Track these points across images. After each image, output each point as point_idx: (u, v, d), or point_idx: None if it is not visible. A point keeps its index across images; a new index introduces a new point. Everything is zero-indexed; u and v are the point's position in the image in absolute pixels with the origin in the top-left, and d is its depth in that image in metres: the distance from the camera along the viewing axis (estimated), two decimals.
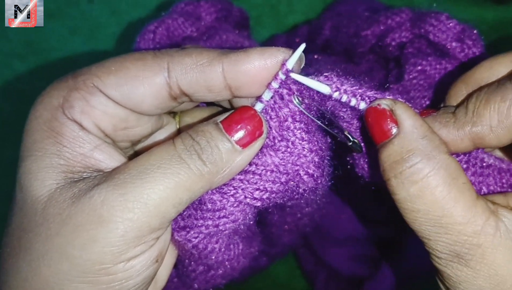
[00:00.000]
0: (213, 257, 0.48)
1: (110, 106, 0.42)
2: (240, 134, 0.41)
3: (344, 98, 0.44)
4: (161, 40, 0.67)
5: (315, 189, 0.45)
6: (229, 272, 0.53)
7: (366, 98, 0.44)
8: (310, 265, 1.05)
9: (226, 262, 0.51)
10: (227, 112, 0.43)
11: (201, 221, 0.44)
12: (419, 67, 0.62)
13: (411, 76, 0.62)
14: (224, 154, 0.40)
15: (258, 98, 0.44)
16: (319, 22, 0.82)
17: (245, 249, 0.53)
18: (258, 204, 0.44)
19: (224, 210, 0.44)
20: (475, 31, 0.61)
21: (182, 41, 0.68)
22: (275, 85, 0.42)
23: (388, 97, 0.44)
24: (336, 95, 0.44)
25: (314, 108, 0.45)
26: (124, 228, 0.37)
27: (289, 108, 0.43)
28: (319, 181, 0.45)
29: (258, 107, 0.44)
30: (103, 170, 0.42)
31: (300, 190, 0.45)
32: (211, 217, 0.44)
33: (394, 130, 0.41)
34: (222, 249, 0.49)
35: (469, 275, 0.40)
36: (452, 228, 0.39)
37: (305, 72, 0.45)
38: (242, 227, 0.46)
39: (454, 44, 0.60)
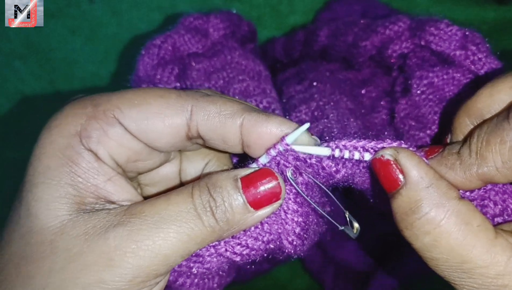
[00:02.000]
0: None
1: (126, 139, 0.42)
2: (257, 195, 0.41)
3: (347, 155, 0.44)
4: (166, 55, 0.66)
5: (293, 254, 0.45)
6: None
7: (370, 149, 0.44)
8: (316, 264, 1.05)
9: None
10: (248, 168, 0.43)
11: None
12: (426, 81, 0.60)
13: (419, 91, 0.61)
14: (237, 213, 0.40)
15: (255, 160, 0.45)
16: (315, 26, 0.81)
17: (220, 280, 0.53)
18: (237, 259, 0.44)
19: (201, 257, 0.44)
20: (477, 34, 0.60)
21: (186, 58, 0.67)
22: (273, 152, 0.43)
23: (390, 145, 0.43)
24: (337, 153, 0.44)
25: (316, 184, 0.46)
26: (132, 274, 0.37)
27: (283, 176, 0.44)
28: (298, 250, 0.45)
29: (263, 160, 0.45)
30: (114, 201, 0.42)
31: (279, 252, 0.46)
32: (186, 259, 0.44)
33: (402, 179, 0.41)
34: (194, 285, 0.49)
35: None
36: (475, 272, 0.39)
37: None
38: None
39: (458, 52, 0.59)
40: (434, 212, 0.39)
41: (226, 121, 0.42)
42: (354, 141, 0.44)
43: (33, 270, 0.38)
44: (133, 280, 0.37)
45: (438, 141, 0.59)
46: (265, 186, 0.41)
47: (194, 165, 0.51)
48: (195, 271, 0.45)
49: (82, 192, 0.40)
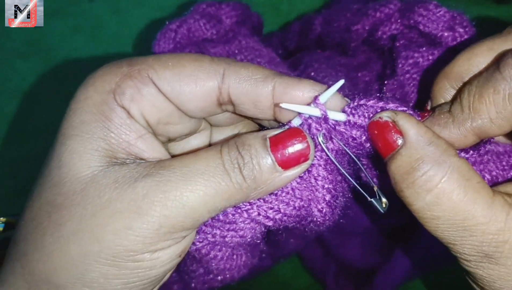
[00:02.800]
0: (214, 264, 0.49)
1: (159, 99, 0.43)
2: (285, 154, 0.41)
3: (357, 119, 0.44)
4: (182, 39, 0.67)
5: (322, 224, 0.45)
6: (227, 280, 0.53)
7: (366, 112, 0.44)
8: (317, 262, 1.05)
9: (227, 271, 0.51)
10: (277, 128, 0.44)
11: (209, 229, 0.45)
12: (411, 60, 0.61)
13: (404, 70, 0.61)
14: (265, 172, 0.41)
15: (287, 122, 0.44)
16: (309, 17, 0.82)
17: (247, 260, 0.53)
18: (270, 223, 0.44)
19: (234, 224, 0.44)
20: (465, 17, 0.60)
21: (201, 43, 0.68)
22: (306, 114, 0.43)
23: (388, 107, 0.43)
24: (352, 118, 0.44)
25: (345, 153, 0.45)
26: (159, 222, 0.38)
27: (314, 141, 0.43)
28: (327, 218, 0.45)
29: (296, 122, 0.44)
30: (145, 159, 0.43)
31: (308, 220, 0.45)
32: (220, 227, 0.44)
33: (399, 141, 0.41)
34: (225, 258, 0.49)
35: (502, 272, 0.40)
36: (476, 229, 0.39)
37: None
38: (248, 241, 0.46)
39: (445, 33, 0.59)
40: (435, 169, 0.39)
41: (257, 85, 0.42)
42: (364, 100, 0.44)
43: (64, 217, 0.39)
44: (159, 229, 0.38)
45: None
46: (294, 146, 0.41)
47: (224, 136, 0.52)
48: (229, 240, 0.45)
49: (114, 147, 0.41)
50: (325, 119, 0.43)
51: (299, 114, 0.43)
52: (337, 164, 0.44)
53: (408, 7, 0.63)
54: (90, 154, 0.40)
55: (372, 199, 0.45)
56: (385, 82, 0.62)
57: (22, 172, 0.99)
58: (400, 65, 0.61)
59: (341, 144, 0.44)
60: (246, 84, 0.43)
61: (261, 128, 0.52)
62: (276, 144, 0.41)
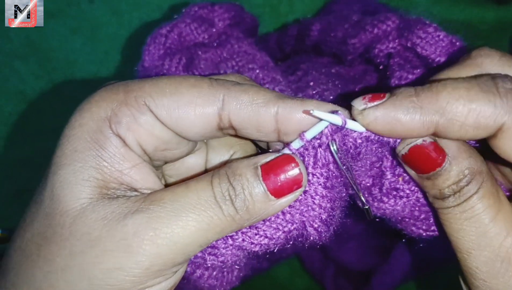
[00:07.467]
0: (202, 282, 0.48)
1: (156, 127, 0.42)
2: (277, 183, 0.40)
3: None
4: (172, 44, 0.65)
5: (318, 241, 0.44)
6: None
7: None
8: (316, 263, 1.05)
9: (217, 288, 0.50)
10: (268, 154, 0.42)
11: None
12: (404, 82, 0.60)
13: None
14: (257, 202, 0.40)
15: (287, 145, 0.43)
16: (307, 21, 0.82)
17: (239, 273, 0.52)
18: (256, 249, 0.43)
19: (216, 249, 0.43)
20: (464, 44, 0.60)
21: (192, 48, 0.67)
22: (308, 136, 0.42)
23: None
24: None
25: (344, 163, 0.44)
26: (150, 262, 0.37)
27: (316, 158, 0.42)
28: (323, 236, 0.44)
29: (295, 145, 0.43)
30: (137, 189, 0.42)
31: (301, 240, 0.44)
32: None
33: (446, 158, 0.41)
34: (212, 276, 0.48)
35: None
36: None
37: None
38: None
39: (442, 59, 0.59)
40: (478, 179, 0.41)
41: (259, 110, 0.41)
42: None
43: (54, 252, 0.39)
44: (150, 268, 0.38)
45: None
46: (286, 174, 0.40)
47: (220, 157, 0.51)
48: (210, 264, 0.44)
49: (106, 176, 0.40)
50: (341, 129, 0.42)
51: (300, 136, 0.42)
52: (346, 173, 0.43)
53: (407, 26, 0.63)
54: (81, 185, 0.39)
55: (366, 207, 0.46)
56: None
57: (21, 173, 0.99)
58: (393, 85, 0.60)
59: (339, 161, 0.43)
60: (247, 110, 0.41)
61: (257, 147, 0.51)
62: (267, 172, 0.40)
